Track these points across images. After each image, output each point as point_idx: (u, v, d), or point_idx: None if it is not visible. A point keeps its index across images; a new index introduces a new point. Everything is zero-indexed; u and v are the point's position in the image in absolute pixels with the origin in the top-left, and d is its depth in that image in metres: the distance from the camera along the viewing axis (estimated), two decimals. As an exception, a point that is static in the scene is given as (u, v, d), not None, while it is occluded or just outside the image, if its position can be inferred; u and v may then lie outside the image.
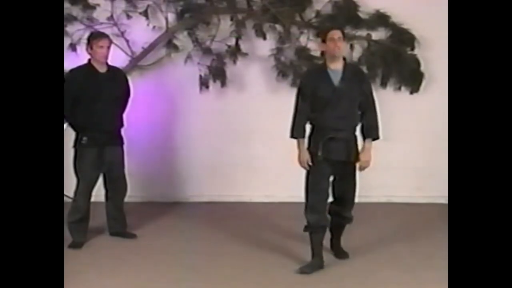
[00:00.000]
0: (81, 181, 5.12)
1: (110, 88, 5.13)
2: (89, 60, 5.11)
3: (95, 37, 5.09)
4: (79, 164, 5.10)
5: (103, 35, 5.14)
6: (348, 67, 4.61)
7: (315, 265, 4.62)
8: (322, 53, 6.27)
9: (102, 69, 5.12)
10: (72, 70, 5.12)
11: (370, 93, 4.58)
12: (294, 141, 6.58)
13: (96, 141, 5.07)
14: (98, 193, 6.39)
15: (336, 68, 4.54)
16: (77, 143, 5.09)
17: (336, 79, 4.51)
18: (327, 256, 4.91)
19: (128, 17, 6.32)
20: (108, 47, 5.08)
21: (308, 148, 4.66)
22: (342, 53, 4.59)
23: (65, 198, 4.75)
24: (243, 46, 6.39)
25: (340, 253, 4.89)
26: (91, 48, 5.04)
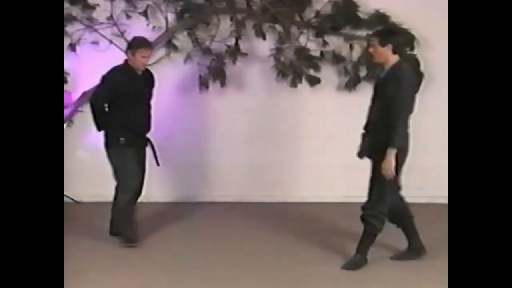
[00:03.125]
0: (130, 179, 5.09)
1: (147, 90, 5.16)
2: (126, 60, 5.08)
3: (139, 46, 5.02)
4: (124, 163, 5.07)
5: (148, 46, 5.09)
6: (391, 69, 4.57)
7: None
8: (322, 53, 6.34)
9: (139, 71, 5.09)
10: (112, 70, 5.09)
11: (396, 98, 4.42)
12: (292, 141, 6.66)
13: (134, 141, 5.07)
14: (99, 193, 6.43)
15: (385, 68, 4.61)
16: (110, 144, 5.07)
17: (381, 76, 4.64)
18: (326, 256, 4.92)
19: (128, 17, 6.31)
20: (150, 56, 5.10)
21: None
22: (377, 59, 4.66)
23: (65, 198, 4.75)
24: (243, 46, 6.38)
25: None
26: (133, 55, 4.99)
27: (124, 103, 4.99)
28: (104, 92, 5.04)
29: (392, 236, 5.39)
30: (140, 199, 6.28)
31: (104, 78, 5.06)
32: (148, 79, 5.20)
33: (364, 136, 4.74)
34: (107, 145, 5.09)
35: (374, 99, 4.69)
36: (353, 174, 6.53)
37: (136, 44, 5.05)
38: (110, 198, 6.38)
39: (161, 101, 6.48)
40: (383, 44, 4.53)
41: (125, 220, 5.14)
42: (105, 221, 5.42)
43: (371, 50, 4.66)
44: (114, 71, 5.08)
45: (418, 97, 6.34)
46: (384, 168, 4.44)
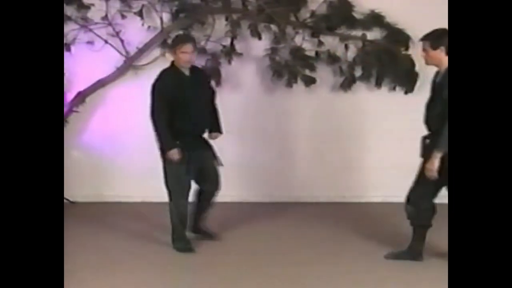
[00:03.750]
0: (177, 185, 4.98)
1: (197, 90, 4.95)
2: (173, 62, 4.95)
3: (177, 42, 4.88)
4: (174, 168, 4.92)
5: (187, 40, 4.93)
6: (446, 71, 4.34)
7: None
8: (317, 53, 6.34)
9: (187, 71, 4.93)
10: (159, 75, 4.95)
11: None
12: (288, 141, 6.60)
13: (189, 145, 4.89)
14: (94, 193, 6.42)
15: (440, 71, 4.45)
16: (165, 148, 4.89)
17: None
18: (322, 255, 4.93)
19: (123, 17, 6.29)
20: (193, 51, 4.86)
21: None
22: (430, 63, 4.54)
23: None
24: (238, 46, 6.37)
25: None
26: (174, 53, 4.85)
27: (173, 106, 4.82)
28: (160, 104, 4.83)
29: (387, 236, 5.43)
30: (135, 199, 6.34)
31: (153, 88, 4.87)
32: (198, 79, 4.99)
33: (424, 139, 4.71)
34: (163, 149, 4.91)
35: (430, 104, 4.65)
36: (353, 174, 6.60)
37: (175, 41, 4.94)
38: (105, 198, 6.45)
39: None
40: (435, 47, 4.37)
41: (177, 229, 5.08)
42: (100, 221, 5.41)
43: (423, 55, 4.55)
44: (160, 76, 4.91)
45: (412, 97, 6.44)
46: (427, 169, 4.48)
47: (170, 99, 4.83)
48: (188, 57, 4.84)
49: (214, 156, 5.12)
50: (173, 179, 4.95)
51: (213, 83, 5.20)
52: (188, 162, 4.91)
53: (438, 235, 5.16)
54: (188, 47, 4.83)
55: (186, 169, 4.93)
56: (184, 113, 4.85)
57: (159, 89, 4.85)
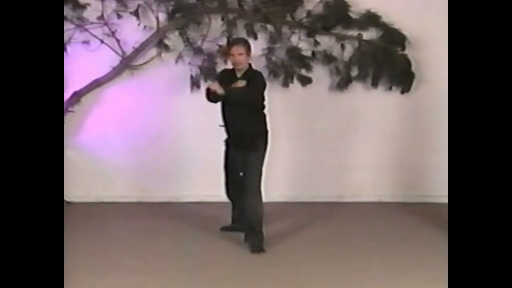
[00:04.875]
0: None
1: None
2: None
3: (228, 44, 5.11)
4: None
5: (235, 43, 5.08)
6: None
7: None
8: (313, 53, 6.35)
9: (239, 73, 5.02)
10: (222, 69, 5.29)
11: None
12: (285, 141, 6.59)
13: (231, 142, 5.12)
14: (89, 193, 6.39)
15: None
16: None
17: None
18: (318, 255, 4.93)
19: (119, 16, 6.27)
20: (241, 54, 4.92)
21: None
22: None
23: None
24: (234, 46, 6.36)
25: None
26: (228, 54, 5.04)
27: (221, 103, 5.04)
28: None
29: (382, 236, 5.44)
30: (131, 199, 6.33)
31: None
32: (248, 83, 4.98)
33: None
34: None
35: None
36: (349, 174, 6.60)
37: (228, 43, 5.21)
38: (101, 198, 6.42)
39: (152, 101, 6.50)
40: None
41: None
42: (96, 221, 5.38)
43: None
44: (223, 69, 5.21)
45: (409, 97, 6.45)
46: None
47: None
48: (233, 59, 4.98)
49: (246, 163, 5.04)
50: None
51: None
52: (232, 161, 5.16)
53: (429, 234, 5.21)
54: (234, 49, 4.96)
55: (227, 166, 5.22)
56: (226, 112, 5.06)
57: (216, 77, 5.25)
